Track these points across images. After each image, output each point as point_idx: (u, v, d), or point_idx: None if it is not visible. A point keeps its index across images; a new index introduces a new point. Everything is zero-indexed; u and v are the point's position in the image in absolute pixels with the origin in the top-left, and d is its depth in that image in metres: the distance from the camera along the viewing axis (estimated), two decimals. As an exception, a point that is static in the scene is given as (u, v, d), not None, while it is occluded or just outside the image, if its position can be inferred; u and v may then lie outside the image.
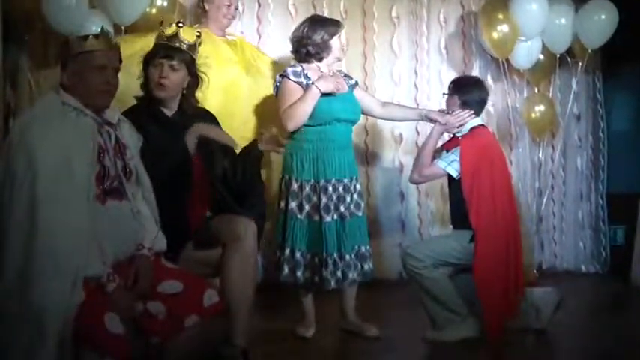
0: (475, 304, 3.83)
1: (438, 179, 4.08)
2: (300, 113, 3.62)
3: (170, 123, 3.21)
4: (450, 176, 3.79)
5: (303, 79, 3.67)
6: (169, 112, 3.24)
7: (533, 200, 5.32)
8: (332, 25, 3.77)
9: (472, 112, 3.81)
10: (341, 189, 3.69)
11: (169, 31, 3.26)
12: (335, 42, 3.73)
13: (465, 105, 3.82)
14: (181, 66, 3.19)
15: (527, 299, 3.83)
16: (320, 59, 3.75)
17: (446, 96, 3.92)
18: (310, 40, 3.72)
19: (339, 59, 3.85)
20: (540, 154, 5.35)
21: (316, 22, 3.79)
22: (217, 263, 3.14)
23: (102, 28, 2.71)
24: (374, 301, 4.56)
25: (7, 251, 2.34)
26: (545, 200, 5.32)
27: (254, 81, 4.11)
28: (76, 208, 2.37)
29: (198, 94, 3.36)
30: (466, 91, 3.85)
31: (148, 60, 3.20)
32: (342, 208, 3.68)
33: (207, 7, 4.11)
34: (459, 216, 3.78)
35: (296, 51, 3.79)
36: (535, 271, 5.07)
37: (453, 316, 3.68)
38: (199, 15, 4.24)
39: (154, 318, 2.53)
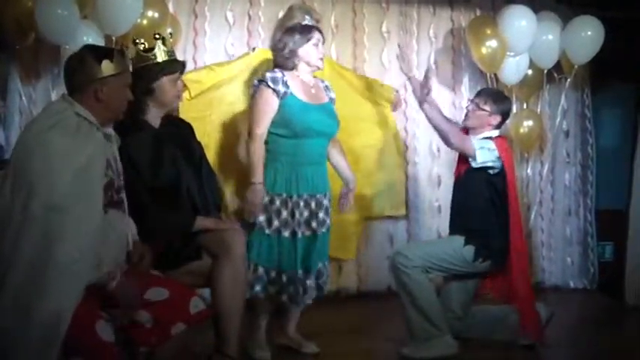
0: (463, 318, 3.83)
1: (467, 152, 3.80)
2: (252, 161, 3.55)
3: (160, 133, 3.25)
4: (460, 177, 3.77)
5: (281, 87, 3.60)
6: (157, 123, 3.28)
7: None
8: (302, 32, 3.71)
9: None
10: (313, 204, 3.62)
11: (169, 44, 3.33)
12: (306, 50, 3.68)
13: (500, 116, 3.82)
14: None
15: (516, 314, 3.81)
16: (293, 67, 3.70)
17: (473, 105, 3.85)
18: (282, 48, 3.71)
19: (318, 68, 3.76)
20: (529, 170, 5.36)
21: (289, 29, 3.78)
22: (207, 273, 3.13)
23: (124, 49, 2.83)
24: (360, 314, 4.55)
25: (18, 258, 2.32)
26: (533, 216, 5.32)
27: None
28: (90, 217, 2.40)
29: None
30: (502, 101, 3.87)
31: (162, 74, 3.23)
32: (313, 224, 3.60)
33: None
34: (458, 220, 3.77)
35: (274, 58, 3.80)
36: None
37: (433, 329, 3.61)
38: None
39: (141, 327, 2.53)
